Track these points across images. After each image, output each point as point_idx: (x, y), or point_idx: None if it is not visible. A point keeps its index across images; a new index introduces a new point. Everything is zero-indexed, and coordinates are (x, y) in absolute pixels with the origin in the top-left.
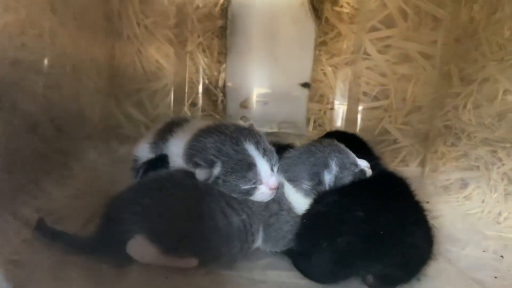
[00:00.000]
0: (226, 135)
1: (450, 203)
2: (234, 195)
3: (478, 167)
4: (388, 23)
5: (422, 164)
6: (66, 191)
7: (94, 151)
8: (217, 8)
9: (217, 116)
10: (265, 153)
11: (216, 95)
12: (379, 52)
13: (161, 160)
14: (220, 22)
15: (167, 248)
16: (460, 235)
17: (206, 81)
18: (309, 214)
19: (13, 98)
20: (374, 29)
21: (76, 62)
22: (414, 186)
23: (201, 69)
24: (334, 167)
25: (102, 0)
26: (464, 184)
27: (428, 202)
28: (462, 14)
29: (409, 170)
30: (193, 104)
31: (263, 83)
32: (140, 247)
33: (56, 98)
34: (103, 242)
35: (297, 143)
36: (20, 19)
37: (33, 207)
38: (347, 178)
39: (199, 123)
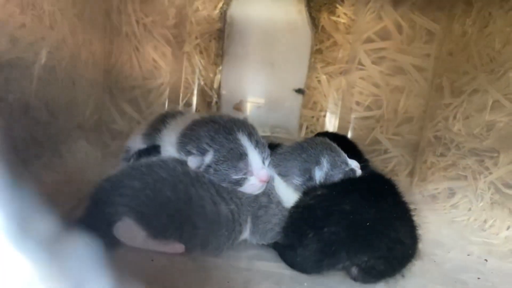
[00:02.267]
0: (220, 125)
1: (437, 211)
2: (224, 185)
3: (465, 176)
4: (383, 35)
5: (411, 174)
6: (54, 176)
7: (86, 142)
8: (216, 11)
9: None
10: (257, 145)
11: (211, 96)
12: (373, 63)
13: (152, 150)
14: (218, 25)
15: (154, 232)
16: (445, 240)
17: (202, 82)
18: (297, 206)
19: (8, 76)
20: (369, 40)
21: (73, 51)
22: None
23: (197, 70)
24: (325, 164)
25: None
26: (451, 193)
27: (415, 209)
28: (455, 28)
29: (398, 180)
30: (188, 104)
31: (257, 87)
32: (127, 230)
33: (51, 83)
34: (91, 224)
35: None
36: None
37: None
38: (337, 176)
39: (193, 115)
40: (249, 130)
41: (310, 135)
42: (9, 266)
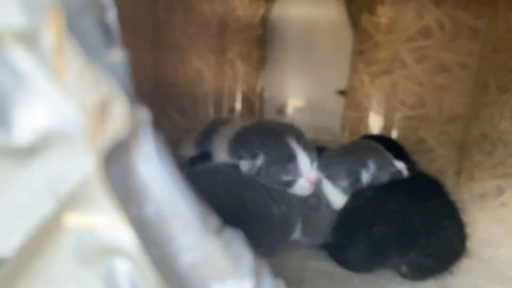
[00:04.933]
0: (269, 129)
1: (486, 209)
2: (275, 186)
3: None
4: (426, 33)
5: (459, 172)
6: None
7: None
8: (257, 18)
9: None
10: (305, 147)
11: (254, 101)
12: (416, 61)
13: (205, 156)
14: (259, 31)
15: None
16: (494, 238)
17: (245, 88)
18: (346, 208)
19: None
20: (411, 39)
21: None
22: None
23: (240, 77)
24: (371, 166)
25: (150, 9)
26: (500, 192)
27: (462, 208)
28: (499, 24)
29: (445, 178)
30: (231, 110)
31: (299, 90)
32: None
33: None
34: None
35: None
36: None
37: None
38: (384, 178)
39: (243, 121)
40: (297, 134)
41: (354, 136)
42: None
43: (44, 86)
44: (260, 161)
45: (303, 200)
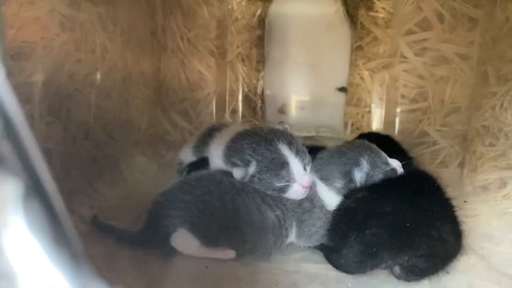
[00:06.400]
0: (261, 137)
1: (489, 202)
2: (268, 192)
3: None
4: (424, 25)
5: (462, 165)
6: (116, 192)
7: (142, 156)
8: (255, 19)
9: (257, 122)
10: (297, 153)
11: (255, 102)
12: (416, 54)
13: (202, 162)
14: (258, 32)
15: (207, 241)
16: (495, 233)
17: (246, 89)
18: (339, 209)
19: (69, 108)
20: (410, 32)
21: (124, 74)
22: (452, 187)
23: (240, 78)
24: (365, 165)
25: (148, 16)
26: (503, 184)
27: (465, 201)
28: (497, 14)
29: (448, 171)
30: (234, 111)
31: (300, 89)
32: (182, 240)
33: (107, 108)
34: (150, 235)
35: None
36: (75, 37)
37: (88, 205)
38: (378, 176)
39: (236, 128)
40: (289, 140)
41: (356, 132)
42: None
43: None
44: (252, 168)
45: (298, 203)
